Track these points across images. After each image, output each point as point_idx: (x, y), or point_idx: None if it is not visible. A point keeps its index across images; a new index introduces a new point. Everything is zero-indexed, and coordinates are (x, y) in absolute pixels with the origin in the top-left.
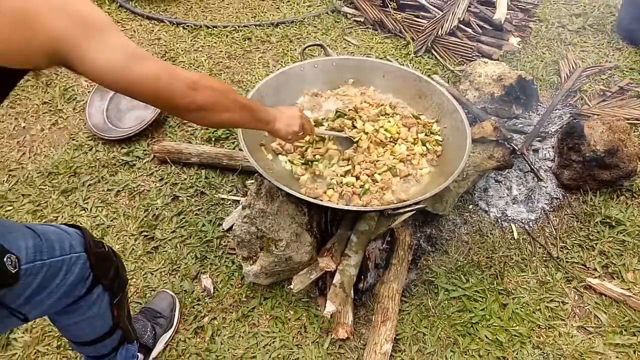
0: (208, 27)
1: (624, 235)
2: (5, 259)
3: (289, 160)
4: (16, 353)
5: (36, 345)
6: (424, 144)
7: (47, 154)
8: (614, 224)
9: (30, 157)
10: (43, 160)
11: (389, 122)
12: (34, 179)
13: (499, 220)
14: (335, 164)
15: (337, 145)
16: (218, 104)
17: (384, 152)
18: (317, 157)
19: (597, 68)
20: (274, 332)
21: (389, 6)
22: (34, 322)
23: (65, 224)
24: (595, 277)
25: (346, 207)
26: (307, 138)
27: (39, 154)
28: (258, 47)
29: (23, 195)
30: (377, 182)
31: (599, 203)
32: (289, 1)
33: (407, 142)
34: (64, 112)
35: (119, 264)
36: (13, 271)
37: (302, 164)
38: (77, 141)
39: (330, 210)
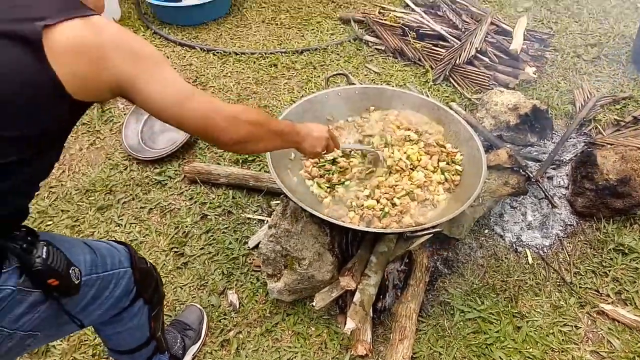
0: (236, 54)
1: (637, 263)
2: (70, 271)
3: (316, 184)
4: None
5: (73, 353)
6: (443, 173)
7: (84, 172)
8: (627, 251)
9: (69, 175)
10: (81, 178)
11: (412, 149)
12: (72, 195)
13: (514, 245)
14: (356, 187)
15: (365, 163)
16: (255, 136)
17: (402, 177)
18: (341, 180)
19: (612, 98)
20: (296, 347)
21: (409, 35)
22: None
23: (114, 241)
24: (609, 303)
25: (366, 229)
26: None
27: (78, 172)
28: (283, 74)
29: (62, 210)
30: (396, 205)
31: (612, 231)
32: (313, 29)
33: (426, 169)
34: (102, 133)
35: (159, 279)
36: (76, 282)
37: (327, 187)
38: (113, 161)
39: (351, 231)
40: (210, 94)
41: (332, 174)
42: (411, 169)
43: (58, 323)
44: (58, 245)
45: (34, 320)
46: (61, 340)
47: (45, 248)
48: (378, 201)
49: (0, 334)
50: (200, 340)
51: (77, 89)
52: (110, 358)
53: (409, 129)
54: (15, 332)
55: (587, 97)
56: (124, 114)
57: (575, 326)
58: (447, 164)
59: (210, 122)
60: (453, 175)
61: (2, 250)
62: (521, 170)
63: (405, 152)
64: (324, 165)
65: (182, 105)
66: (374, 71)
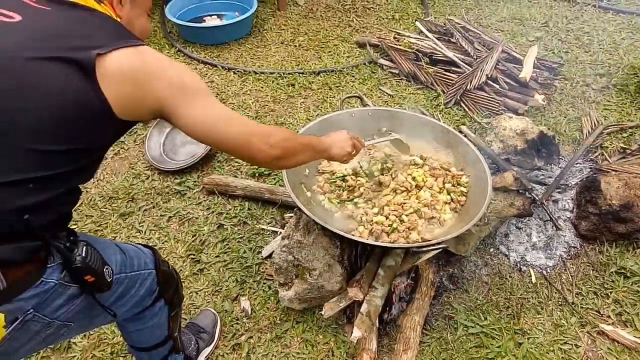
0: (256, 73)
1: (638, 286)
2: (104, 270)
3: (328, 199)
4: (75, 356)
5: (93, 350)
6: (449, 194)
7: (109, 181)
8: (628, 274)
9: (94, 183)
10: (105, 185)
11: (417, 171)
12: (96, 202)
13: (518, 265)
14: (364, 205)
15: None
16: (289, 151)
17: (410, 197)
18: (350, 197)
19: (619, 126)
20: (304, 353)
21: (422, 60)
22: (92, 330)
23: (140, 244)
24: (609, 324)
25: (375, 243)
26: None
27: (102, 180)
28: (300, 93)
29: (87, 215)
30: (404, 222)
31: (614, 254)
32: (330, 52)
33: (432, 190)
34: (126, 144)
35: (179, 282)
36: (109, 280)
37: (338, 203)
38: (135, 170)
39: (361, 245)
40: (244, 117)
41: (342, 191)
42: (418, 188)
43: (91, 315)
44: (94, 246)
45: (70, 312)
46: (82, 338)
47: (84, 248)
48: (387, 217)
49: (41, 322)
50: (213, 343)
51: (123, 110)
52: (129, 356)
53: (413, 155)
54: (53, 321)
55: (595, 125)
56: (148, 127)
57: (576, 345)
58: (453, 185)
59: (248, 144)
60: (459, 196)
61: (48, 248)
62: (527, 193)
63: (409, 174)
64: (335, 182)
65: (221, 130)
66: (387, 93)
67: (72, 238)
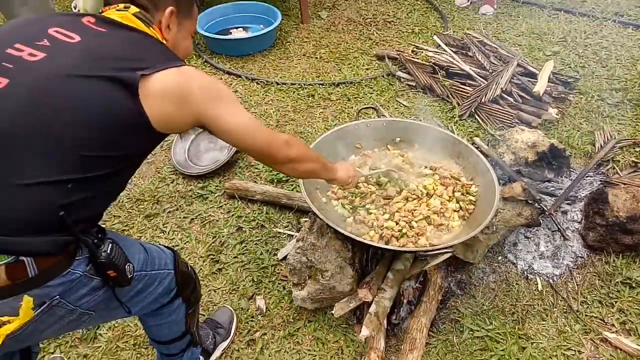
0: (278, 84)
1: None
2: (126, 267)
3: (341, 204)
4: (100, 346)
5: (117, 342)
6: (458, 202)
7: (136, 183)
8: (634, 285)
9: None
10: (133, 188)
11: (428, 180)
12: (124, 203)
13: (525, 273)
14: (376, 211)
15: (382, 192)
16: (304, 156)
17: (420, 204)
18: (362, 204)
19: (632, 141)
20: (314, 350)
21: (439, 73)
22: (117, 322)
23: (163, 245)
24: (613, 332)
25: (385, 247)
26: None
27: (130, 182)
28: (320, 104)
29: (114, 216)
30: (414, 228)
31: (621, 265)
32: (350, 64)
33: (442, 198)
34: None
35: (197, 282)
36: (129, 276)
37: (350, 208)
38: (161, 174)
39: (372, 249)
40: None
41: (355, 197)
42: (428, 196)
43: (110, 307)
44: (120, 244)
45: (92, 302)
46: (107, 330)
47: (110, 245)
48: (397, 223)
49: (66, 308)
50: (230, 338)
51: (161, 125)
52: (150, 348)
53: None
54: (76, 309)
55: (608, 139)
56: (174, 134)
57: (579, 351)
58: (462, 194)
59: (269, 147)
60: (467, 204)
61: (78, 243)
62: (535, 203)
63: (420, 183)
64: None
65: (250, 136)
66: (404, 105)
67: (100, 235)
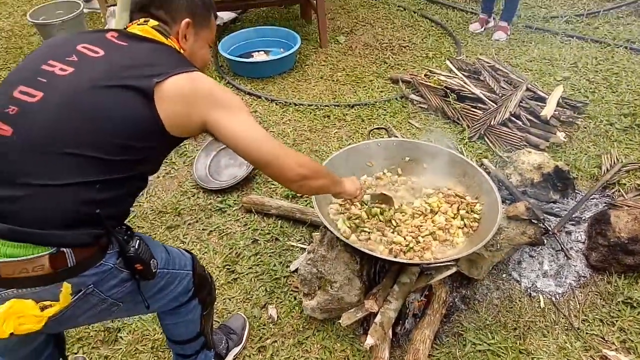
0: (296, 105)
1: None
2: (151, 262)
3: (342, 220)
4: (121, 348)
5: (136, 344)
6: (462, 219)
7: (159, 196)
8: (635, 305)
9: (147, 198)
10: (156, 201)
11: (432, 198)
12: (147, 214)
13: (529, 290)
14: (377, 232)
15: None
16: (315, 173)
17: (425, 220)
18: (363, 226)
19: (638, 164)
20: (322, 359)
21: (450, 97)
22: (136, 326)
23: (183, 249)
24: (612, 350)
25: (392, 259)
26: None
27: (154, 195)
28: (335, 124)
29: (138, 226)
30: (420, 243)
31: (623, 285)
32: (365, 87)
33: (446, 215)
34: (176, 164)
35: (212, 285)
36: (154, 271)
37: (351, 225)
38: (183, 188)
39: (379, 263)
40: (277, 140)
41: (356, 218)
42: (433, 213)
43: (135, 301)
44: (146, 242)
45: (120, 293)
46: (127, 333)
47: (138, 241)
48: (404, 238)
49: (98, 297)
50: (242, 344)
51: (174, 128)
52: (167, 351)
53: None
54: (107, 298)
55: (614, 162)
56: (196, 150)
57: None
58: (467, 212)
59: (278, 160)
60: (472, 222)
61: (109, 237)
62: (539, 223)
63: (425, 201)
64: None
65: (255, 146)
66: (415, 126)
67: (129, 232)
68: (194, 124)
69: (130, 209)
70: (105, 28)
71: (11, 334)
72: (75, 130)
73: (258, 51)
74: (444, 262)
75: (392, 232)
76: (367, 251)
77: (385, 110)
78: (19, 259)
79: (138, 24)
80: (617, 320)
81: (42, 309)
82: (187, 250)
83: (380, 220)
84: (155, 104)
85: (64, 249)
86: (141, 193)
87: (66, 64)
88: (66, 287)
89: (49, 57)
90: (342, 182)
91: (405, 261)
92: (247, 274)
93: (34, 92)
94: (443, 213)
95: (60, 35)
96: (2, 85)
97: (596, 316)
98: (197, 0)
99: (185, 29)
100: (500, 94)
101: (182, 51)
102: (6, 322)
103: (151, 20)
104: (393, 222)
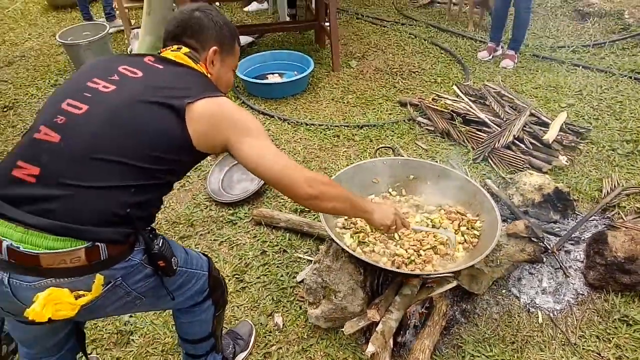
0: (307, 124)
1: None
2: (172, 260)
3: (349, 234)
4: (132, 350)
5: (147, 347)
6: (463, 235)
7: (174, 208)
8: (631, 322)
9: (161, 209)
10: (170, 212)
11: (434, 215)
12: (162, 225)
13: (528, 306)
14: (381, 245)
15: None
16: (326, 195)
17: (427, 234)
18: (366, 237)
19: (639, 189)
20: None
21: (456, 120)
22: (147, 329)
23: (200, 252)
24: None
25: (394, 270)
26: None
27: (168, 207)
28: (344, 143)
29: None
30: (421, 256)
31: (619, 303)
32: (374, 109)
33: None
34: (191, 178)
35: (225, 288)
36: (174, 268)
37: (357, 241)
38: (196, 201)
39: (382, 274)
40: (292, 159)
41: (361, 232)
42: (435, 228)
43: (157, 296)
44: (168, 242)
45: (144, 287)
46: (139, 336)
47: (161, 240)
48: (406, 250)
49: (125, 289)
50: (248, 350)
51: (200, 144)
52: (176, 354)
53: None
54: (132, 291)
55: (615, 186)
56: (210, 165)
57: None
58: (468, 228)
59: (289, 179)
60: (472, 238)
61: (137, 236)
62: (538, 241)
63: (427, 217)
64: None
65: (268, 165)
66: (422, 147)
67: (153, 232)
68: (218, 143)
69: (157, 213)
70: (129, 49)
71: (49, 319)
72: (115, 141)
73: (273, 73)
74: (444, 274)
75: (395, 245)
76: (371, 262)
77: (393, 131)
78: (59, 251)
79: (172, 50)
80: (613, 337)
81: (76, 297)
82: (204, 254)
83: (384, 234)
84: (186, 123)
85: (99, 244)
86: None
87: (109, 82)
88: (99, 279)
89: (93, 75)
90: (370, 210)
91: (406, 272)
92: (255, 284)
93: (80, 105)
94: (444, 228)
95: (88, 57)
96: (52, 98)
97: (593, 333)
98: (224, 31)
99: (212, 56)
100: (504, 118)
101: (209, 75)
102: (45, 308)
103: (184, 47)
104: (396, 235)
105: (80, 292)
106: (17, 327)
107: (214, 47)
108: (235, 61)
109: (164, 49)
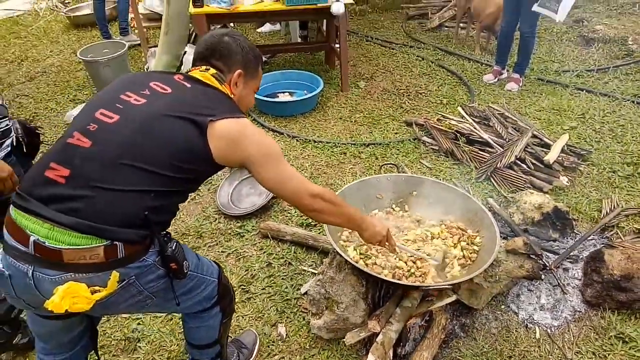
0: (315, 142)
1: (635, 351)
2: (184, 263)
3: (353, 247)
4: (139, 357)
5: (153, 354)
6: (462, 250)
7: (183, 220)
8: (627, 340)
9: (172, 221)
10: (180, 224)
11: (435, 229)
12: (172, 236)
13: (526, 322)
14: (382, 257)
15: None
16: (327, 211)
17: (424, 245)
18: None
19: (638, 210)
20: None
21: (460, 140)
22: (154, 337)
23: (212, 260)
24: None
25: (395, 281)
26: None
27: (178, 219)
28: (350, 161)
29: None
30: (420, 268)
31: (615, 320)
32: (380, 128)
33: (446, 241)
34: (201, 191)
35: (233, 297)
36: (185, 271)
37: (360, 254)
38: (206, 213)
39: (384, 287)
40: (303, 177)
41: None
42: (434, 239)
43: (166, 298)
44: (181, 246)
45: (155, 288)
46: (146, 343)
47: (175, 244)
48: (405, 263)
49: (137, 288)
50: (252, 359)
51: (220, 159)
52: None
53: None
54: (144, 290)
55: (614, 207)
56: (220, 179)
57: None
58: (467, 244)
59: (299, 196)
60: (471, 253)
61: (152, 238)
62: (537, 258)
63: (427, 229)
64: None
65: (284, 184)
66: (426, 166)
67: (168, 236)
68: (236, 159)
69: (172, 219)
70: (145, 67)
71: (66, 310)
72: (142, 149)
73: (283, 92)
74: (442, 285)
75: (395, 258)
76: (373, 273)
77: (398, 150)
78: (80, 247)
79: (200, 70)
80: (609, 354)
81: (93, 292)
82: (215, 262)
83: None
84: (207, 138)
85: (117, 243)
86: None
87: (140, 96)
88: (114, 275)
89: (126, 89)
90: (364, 227)
91: (406, 283)
92: (260, 294)
93: (112, 115)
94: (443, 240)
95: (107, 74)
96: (86, 107)
97: (589, 349)
98: (249, 56)
99: (237, 78)
100: (507, 139)
101: (232, 96)
102: (64, 300)
103: (211, 69)
104: (397, 248)
105: (97, 288)
106: (36, 321)
107: (239, 70)
108: (258, 84)
109: (193, 68)
